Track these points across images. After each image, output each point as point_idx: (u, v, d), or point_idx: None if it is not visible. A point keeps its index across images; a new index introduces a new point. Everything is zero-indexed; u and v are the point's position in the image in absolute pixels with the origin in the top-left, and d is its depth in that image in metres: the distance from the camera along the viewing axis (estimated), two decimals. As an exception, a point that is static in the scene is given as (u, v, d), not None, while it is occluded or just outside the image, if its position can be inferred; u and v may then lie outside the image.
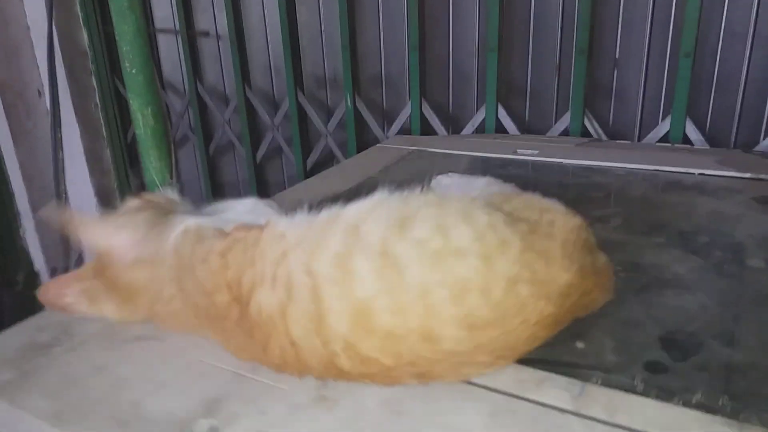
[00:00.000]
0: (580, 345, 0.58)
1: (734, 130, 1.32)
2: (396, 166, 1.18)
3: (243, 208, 0.69)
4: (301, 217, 0.59)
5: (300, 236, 0.56)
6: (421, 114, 1.61)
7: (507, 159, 1.11)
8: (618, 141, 1.25)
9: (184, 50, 1.96)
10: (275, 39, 1.82)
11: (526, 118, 1.55)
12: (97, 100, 2.18)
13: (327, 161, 1.91)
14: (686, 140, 1.31)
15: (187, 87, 2.03)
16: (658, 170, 0.98)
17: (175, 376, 0.57)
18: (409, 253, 0.51)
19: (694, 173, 0.95)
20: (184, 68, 2.01)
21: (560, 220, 0.59)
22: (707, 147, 1.30)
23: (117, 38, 1.22)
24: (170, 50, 2.07)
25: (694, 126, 1.31)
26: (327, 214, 0.58)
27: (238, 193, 2.16)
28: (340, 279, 0.52)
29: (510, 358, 0.54)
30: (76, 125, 2.13)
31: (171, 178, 1.21)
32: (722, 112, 1.33)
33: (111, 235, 0.64)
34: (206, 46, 2.00)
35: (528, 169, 1.05)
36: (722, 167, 0.96)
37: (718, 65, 1.30)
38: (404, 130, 1.67)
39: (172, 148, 1.21)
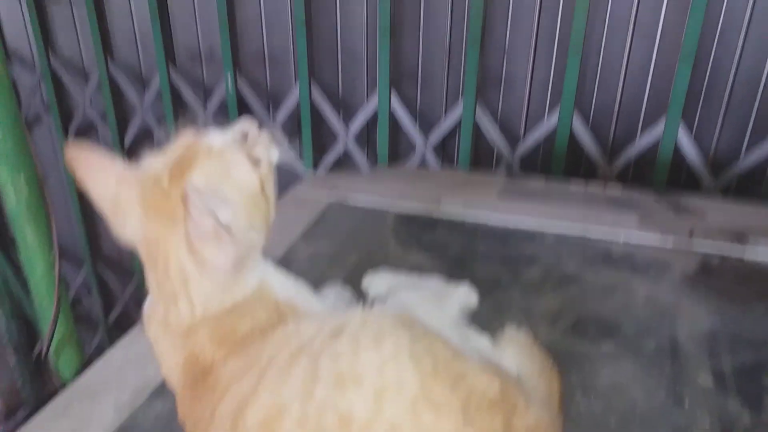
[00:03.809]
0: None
1: (614, 122, 1.37)
2: (317, 228, 1.07)
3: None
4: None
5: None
6: (311, 97, 1.52)
7: (432, 221, 1.11)
8: (532, 182, 1.28)
9: (30, 15, 1.70)
10: (140, 2, 1.62)
11: (418, 106, 1.51)
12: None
13: (208, 142, 1.77)
14: (572, 135, 1.35)
15: (37, 58, 1.78)
16: (584, 237, 1.02)
17: None
18: (327, 366, 0.50)
19: (619, 242, 1.00)
20: (31, 35, 1.75)
21: (471, 375, 0.52)
22: (615, 185, 1.35)
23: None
24: (12, 12, 1.79)
25: (581, 120, 1.34)
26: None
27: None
28: (283, 376, 0.51)
29: None
30: None
31: (52, 255, 1.03)
32: (604, 104, 1.37)
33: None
34: (57, 12, 1.74)
35: (455, 235, 1.05)
36: (644, 229, 1.03)
37: (602, 59, 1.33)
38: (294, 115, 1.57)
39: (52, 217, 1.04)
